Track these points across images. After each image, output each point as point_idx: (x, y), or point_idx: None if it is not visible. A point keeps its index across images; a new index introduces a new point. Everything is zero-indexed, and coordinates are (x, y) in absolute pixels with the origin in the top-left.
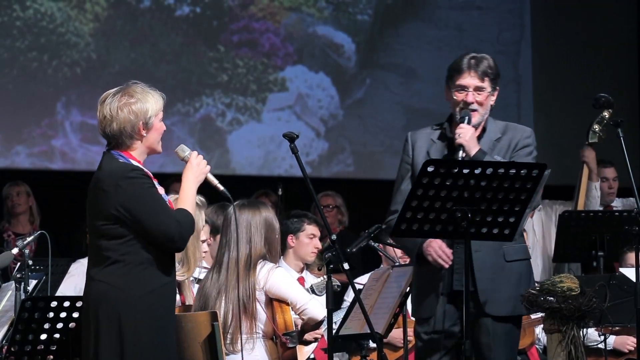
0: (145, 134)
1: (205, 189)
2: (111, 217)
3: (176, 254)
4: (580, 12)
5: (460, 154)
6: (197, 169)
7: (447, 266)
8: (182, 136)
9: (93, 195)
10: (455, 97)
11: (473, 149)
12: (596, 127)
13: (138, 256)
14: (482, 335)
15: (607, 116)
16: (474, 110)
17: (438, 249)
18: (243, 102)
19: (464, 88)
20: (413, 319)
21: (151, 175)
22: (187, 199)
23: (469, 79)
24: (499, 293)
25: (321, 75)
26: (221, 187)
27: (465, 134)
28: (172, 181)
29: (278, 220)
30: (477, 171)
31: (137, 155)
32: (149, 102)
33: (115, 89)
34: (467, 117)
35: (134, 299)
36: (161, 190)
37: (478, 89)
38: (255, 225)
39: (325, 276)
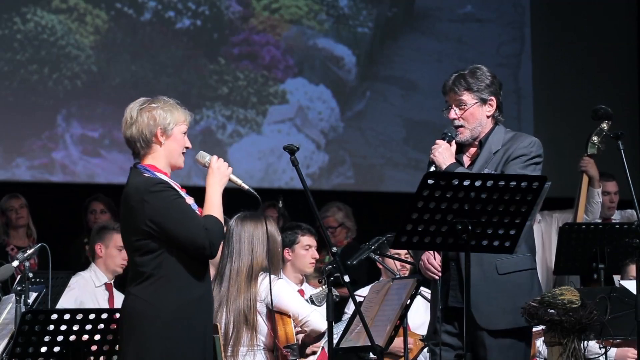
0: (163, 141)
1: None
2: (142, 232)
3: None
4: (580, 24)
5: (432, 169)
6: (218, 173)
7: (437, 277)
8: None
9: (124, 212)
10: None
11: (443, 163)
12: (595, 138)
13: (170, 270)
14: (480, 349)
15: (605, 128)
16: (460, 127)
17: (426, 261)
18: (243, 115)
19: (449, 105)
20: (414, 331)
21: (178, 187)
22: (213, 205)
23: (449, 96)
24: (491, 306)
25: (321, 88)
26: (246, 187)
27: (436, 150)
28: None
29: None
30: (477, 183)
31: (162, 168)
32: (171, 112)
33: (144, 97)
34: (448, 136)
35: (166, 313)
36: (190, 200)
37: (458, 104)
38: (257, 237)
39: (324, 286)
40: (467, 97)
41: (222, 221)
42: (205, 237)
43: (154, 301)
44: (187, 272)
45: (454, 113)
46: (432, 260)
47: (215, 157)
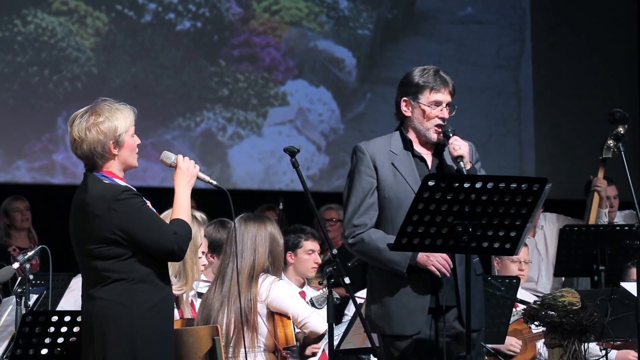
0: (116, 152)
1: (204, 207)
2: (107, 240)
3: (172, 268)
4: (580, 26)
5: (462, 165)
6: (187, 173)
7: (448, 275)
8: (182, 151)
9: (81, 220)
10: (429, 113)
11: (469, 162)
12: (610, 142)
13: (137, 273)
14: (461, 348)
15: (621, 131)
16: (443, 126)
17: (440, 258)
18: (244, 117)
19: (439, 103)
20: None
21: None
22: (181, 207)
23: (446, 95)
24: (475, 306)
25: (322, 90)
26: (214, 182)
27: (465, 146)
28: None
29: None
30: (478, 185)
31: (117, 173)
32: (118, 120)
33: (84, 108)
34: (451, 131)
35: (138, 314)
36: (148, 203)
37: (449, 104)
38: (260, 238)
39: (325, 289)
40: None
41: (190, 223)
42: (174, 242)
43: (127, 303)
44: (154, 275)
45: (447, 112)
46: (445, 256)
47: (180, 156)
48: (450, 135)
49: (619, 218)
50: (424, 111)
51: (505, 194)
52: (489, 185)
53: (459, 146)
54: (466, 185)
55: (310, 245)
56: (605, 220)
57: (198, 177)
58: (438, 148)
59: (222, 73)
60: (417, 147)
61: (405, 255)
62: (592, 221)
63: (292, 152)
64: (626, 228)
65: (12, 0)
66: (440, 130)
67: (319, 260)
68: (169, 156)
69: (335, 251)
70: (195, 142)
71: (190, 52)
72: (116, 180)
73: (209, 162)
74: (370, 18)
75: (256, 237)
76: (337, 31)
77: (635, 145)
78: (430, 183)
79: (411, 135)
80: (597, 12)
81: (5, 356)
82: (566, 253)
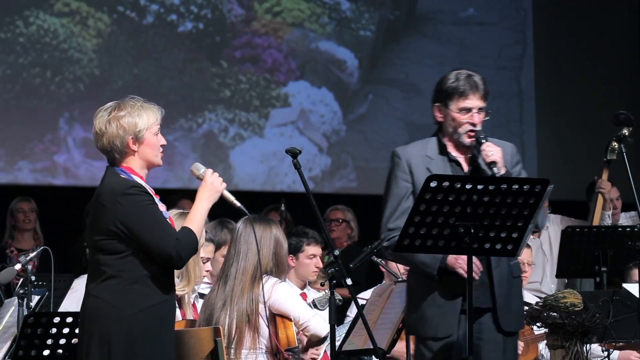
0: (136, 149)
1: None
2: (109, 232)
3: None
4: (582, 27)
5: (496, 170)
6: (210, 187)
7: (477, 278)
8: (184, 152)
9: (93, 210)
10: (459, 120)
11: (504, 166)
12: (615, 144)
13: (134, 273)
14: (495, 351)
15: (626, 133)
16: (474, 132)
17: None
18: (246, 118)
19: (469, 110)
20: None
21: (152, 192)
22: (195, 217)
23: (475, 101)
24: (510, 309)
25: (324, 91)
26: (238, 204)
27: (498, 152)
28: (177, 197)
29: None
30: (479, 187)
31: (138, 171)
32: (140, 116)
33: (112, 102)
34: (484, 138)
35: (126, 316)
36: (162, 207)
37: (481, 109)
38: (265, 239)
39: (327, 290)
40: (485, 103)
41: (198, 235)
42: (174, 248)
43: (117, 303)
44: (152, 277)
45: (478, 117)
46: (475, 259)
47: (210, 170)
48: (483, 142)
49: (624, 219)
50: (454, 118)
51: (507, 195)
52: (491, 186)
53: (492, 152)
54: (468, 186)
55: (312, 250)
56: (609, 222)
57: (222, 195)
58: (473, 151)
59: (224, 74)
60: (453, 151)
61: (435, 258)
62: (595, 223)
63: (294, 154)
64: (628, 229)
65: (14, 1)
66: (473, 135)
67: (320, 265)
68: (199, 167)
69: (337, 252)
70: (197, 144)
71: (192, 53)
72: (133, 176)
73: (210, 163)
74: (372, 19)
75: (261, 238)
76: (339, 32)
77: (637, 147)
78: (432, 184)
79: (446, 140)
80: (599, 13)
81: (7, 357)
82: (568, 254)
